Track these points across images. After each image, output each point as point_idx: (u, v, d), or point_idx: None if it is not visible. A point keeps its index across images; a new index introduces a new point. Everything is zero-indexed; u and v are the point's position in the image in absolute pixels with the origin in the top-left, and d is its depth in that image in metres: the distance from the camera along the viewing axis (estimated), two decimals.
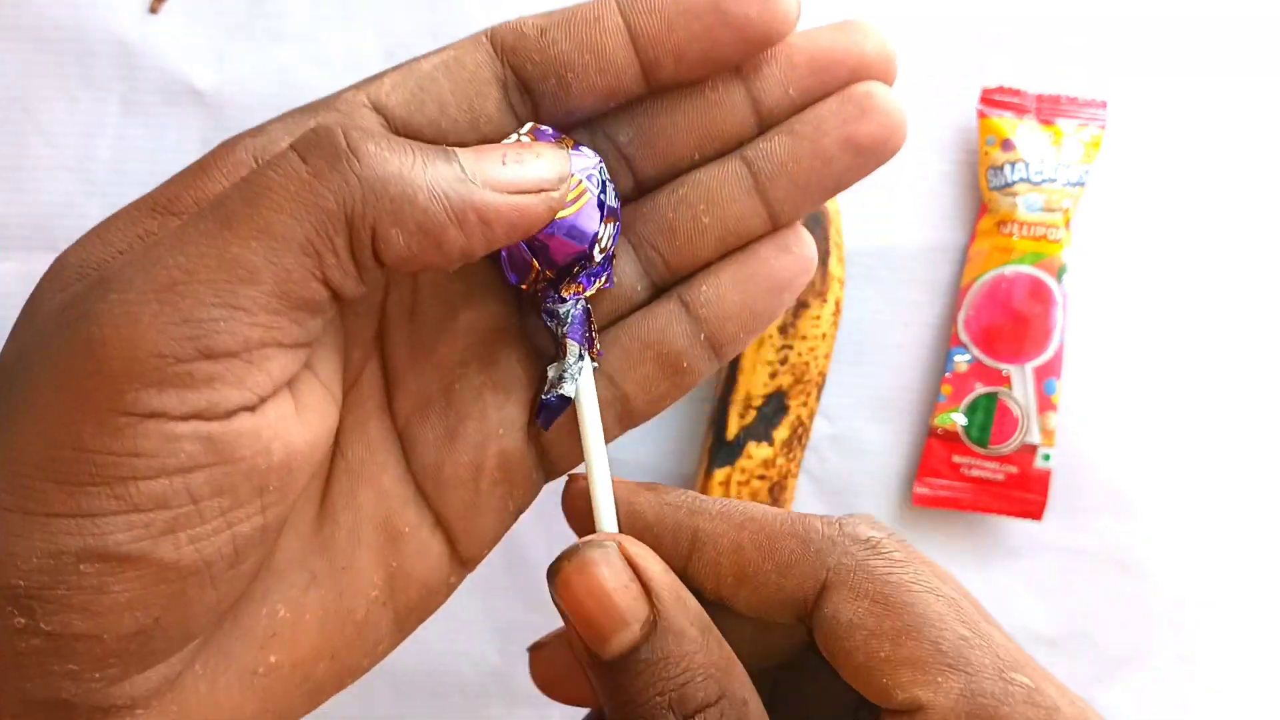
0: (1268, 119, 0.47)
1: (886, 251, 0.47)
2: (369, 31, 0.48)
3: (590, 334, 0.25)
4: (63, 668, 0.20)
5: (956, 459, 0.46)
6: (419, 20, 0.48)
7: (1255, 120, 0.47)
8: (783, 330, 0.44)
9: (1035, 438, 0.46)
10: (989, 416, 0.46)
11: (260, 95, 0.47)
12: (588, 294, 0.25)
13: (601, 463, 0.24)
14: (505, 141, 0.24)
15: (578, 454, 0.26)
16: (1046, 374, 0.46)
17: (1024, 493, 0.46)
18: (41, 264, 0.48)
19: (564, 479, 0.27)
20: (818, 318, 0.44)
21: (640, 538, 0.24)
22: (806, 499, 0.47)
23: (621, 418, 0.27)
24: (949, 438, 0.46)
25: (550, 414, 0.25)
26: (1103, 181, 0.47)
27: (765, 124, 0.26)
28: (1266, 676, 0.47)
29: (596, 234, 0.24)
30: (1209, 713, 0.47)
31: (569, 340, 0.25)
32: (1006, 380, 0.46)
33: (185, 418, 0.20)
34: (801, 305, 0.44)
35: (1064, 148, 0.46)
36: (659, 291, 0.27)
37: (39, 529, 0.19)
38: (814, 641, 0.24)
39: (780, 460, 0.45)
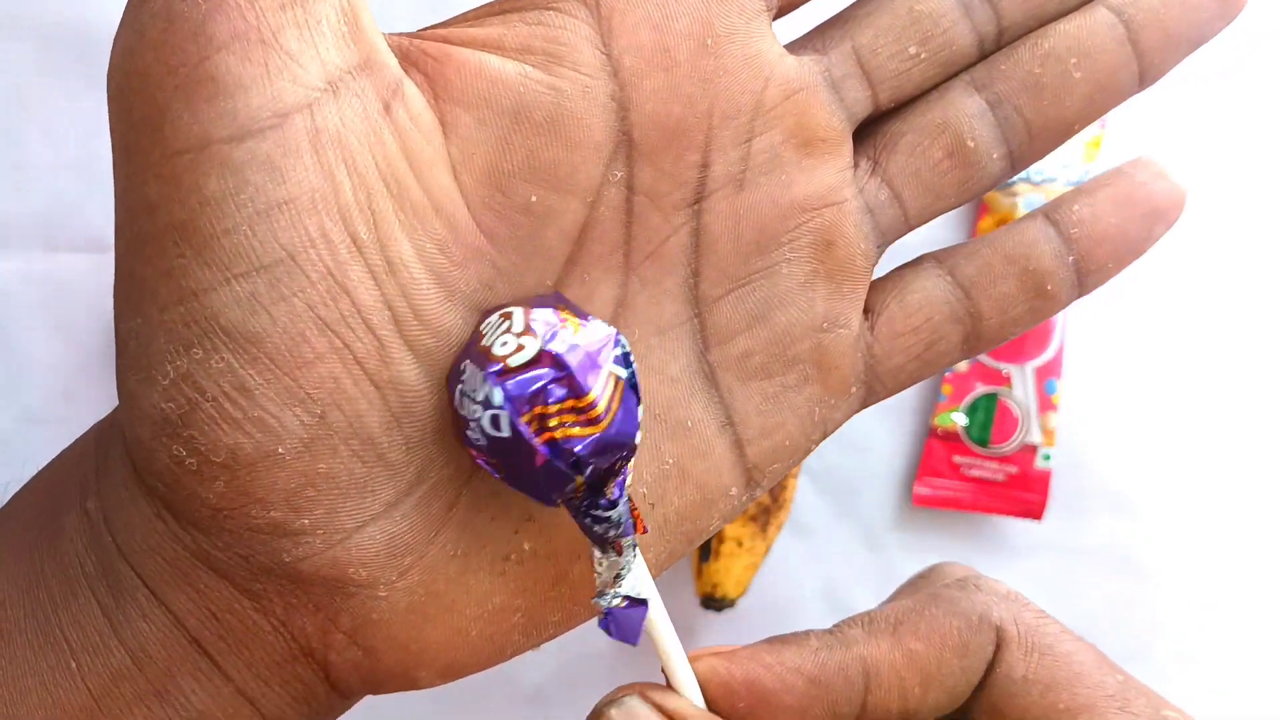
0: (1268, 119, 0.47)
1: (887, 251, 0.47)
2: None
3: (635, 517, 0.21)
4: (263, 515, 0.19)
5: (957, 459, 0.46)
6: (419, 20, 0.48)
7: (1256, 120, 0.47)
8: None
9: (1036, 438, 0.46)
10: (989, 416, 0.46)
11: None
12: (629, 481, 0.21)
13: (678, 648, 0.22)
14: (489, 325, 0.20)
15: (908, 375, 0.25)
16: (1047, 374, 0.46)
17: (1024, 493, 0.46)
18: (42, 264, 0.48)
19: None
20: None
21: (806, 693, 0.22)
22: (807, 499, 0.47)
23: (969, 339, 0.25)
24: (949, 438, 0.46)
25: (628, 622, 0.22)
26: None
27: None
28: (1267, 677, 0.47)
29: (640, 417, 0.21)
30: (1209, 713, 0.47)
31: (624, 540, 0.21)
32: (1007, 380, 0.46)
33: (235, 139, 0.18)
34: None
35: (1064, 148, 0.46)
36: (1015, 163, 0.25)
37: (159, 334, 0.18)
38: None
39: None
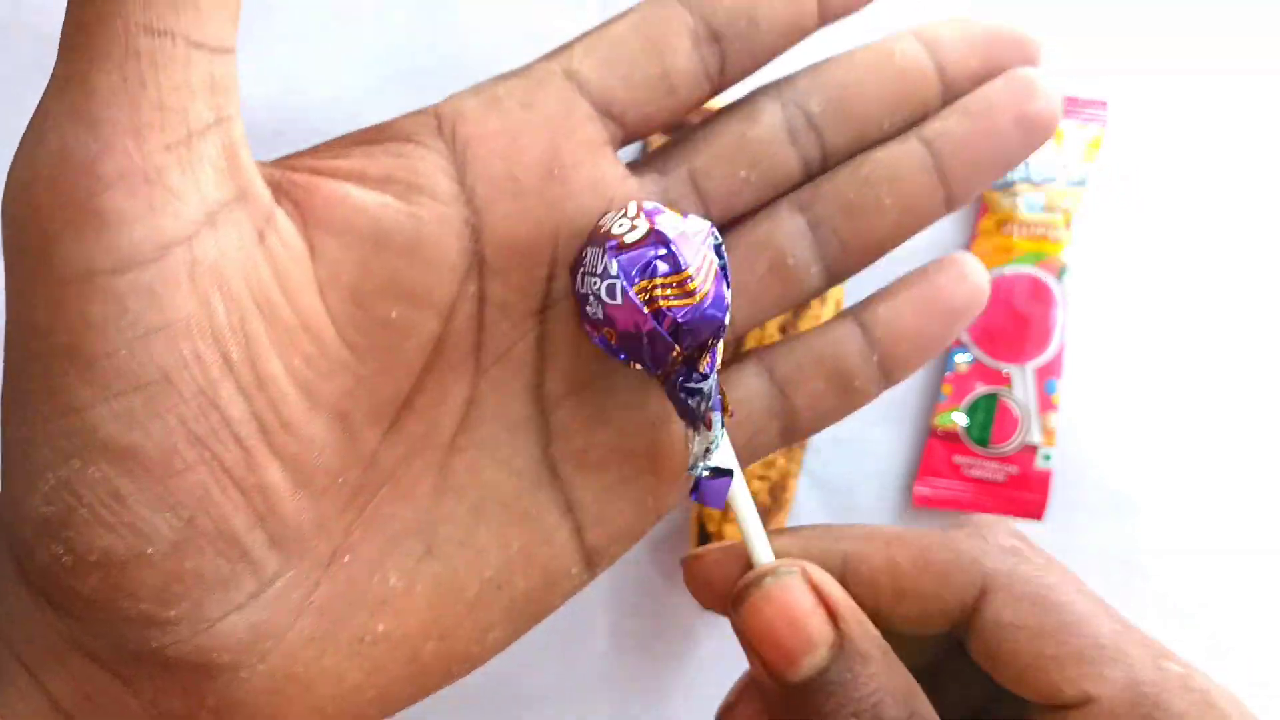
0: (1268, 119, 0.47)
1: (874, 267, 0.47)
2: (369, 31, 0.48)
3: (722, 396, 0.24)
4: (133, 607, 0.20)
5: (957, 459, 0.46)
6: (419, 20, 0.48)
7: (1256, 120, 0.47)
8: (783, 330, 0.44)
9: (1036, 438, 0.46)
10: (989, 416, 0.46)
11: (260, 95, 0.47)
12: (718, 362, 0.24)
13: (755, 515, 0.25)
14: (607, 217, 0.24)
15: (755, 452, 0.27)
16: (1047, 374, 0.46)
17: (1024, 493, 0.46)
18: None
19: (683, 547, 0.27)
20: (818, 317, 0.44)
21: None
22: (806, 499, 0.47)
23: (784, 432, 0.27)
24: (949, 438, 0.46)
25: (715, 489, 0.24)
26: (1103, 181, 0.47)
27: (951, 93, 0.27)
28: (1267, 677, 0.47)
29: (729, 302, 0.24)
30: None
31: (714, 414, 0.24)
32: (1007, 380, 0.46)
33: (118, 270, 0.19)
34: (801, 305, 0.44)
35: (1064, 148, 0.46)
36: (832, 277, 0.27)
37: (43, 444, 0.19)
38: (938, 652, 0.25)
39: (780, 460, 0.45)
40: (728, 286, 0.24)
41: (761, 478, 0.45)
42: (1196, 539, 0.47)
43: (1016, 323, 0.46)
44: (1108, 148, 0.46)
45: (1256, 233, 0.47)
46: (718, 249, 0.24)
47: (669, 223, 0.23)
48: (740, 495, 0.25)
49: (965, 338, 0.46)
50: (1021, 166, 0.46)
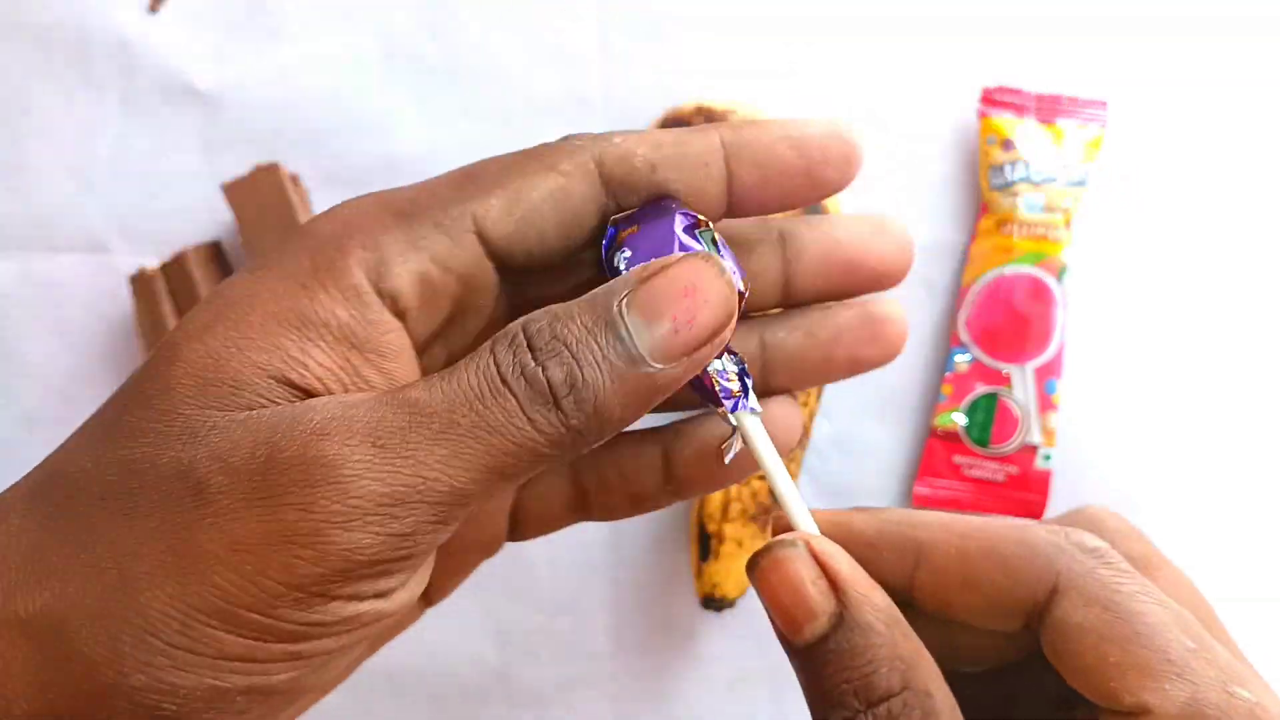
0: (1267, 119, 0.47)
1: None
2: (369, 31, 0.48)
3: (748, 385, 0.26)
4: None
5: (957, 459, 0.46)
6: (419, 20, 0.48)
7: (1255, 120, 0.47)
8: None
9: (1036, 438, 0.46)
10: (989, 416, 0.46)
11: (260, 95, 0.47)
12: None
13: (790, 485, 0.26)
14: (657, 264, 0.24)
15: (546, 522, 0.29)
16: (1047, 374, 0.46)
17: (1024, 493, 0.46)
18: (41, 264, 0.48)
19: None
20: None
21: (862, 554, 0.24)
22: (807, 499, 0.47)
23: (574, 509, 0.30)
24: (949, 438, 0.46)
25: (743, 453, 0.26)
26: (1103, 181, 0.47)
27: (789, 297, 0.28)
28: (1267, 677, 0.47)
29: (743, 272, 0.26)
30: None
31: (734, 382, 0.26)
32: (1007, 380, 0.46)
33: (366, 597, 0.21)
34: None
35: (1064, 148, 0.46)
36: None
37: (207, 668, 0.20)
38: (1025, 648, 0.25)
39: None
40: (736, 261, 0.26)
41: (762, 478, 0.45)
42: (1197, 538, 0.47)
43: (1016, 323, 0.46)
44: (1108, 148, 0.46)
45: (1256, 233, 0.47)
46: (716, 241, 0.25)
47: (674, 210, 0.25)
48: (775, 469, 0.25)
49: (965, 337, 0.46)
50: (1022, 166, 0.46)
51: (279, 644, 0.20)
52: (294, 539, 0.20)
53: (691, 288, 0.22)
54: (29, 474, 0.22)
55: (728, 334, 0.23)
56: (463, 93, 0.47)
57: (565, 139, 0.25)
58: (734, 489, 0.45)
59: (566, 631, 0.47)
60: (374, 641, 0.28)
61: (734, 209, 0.26)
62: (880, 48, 0.47)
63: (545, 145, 0.25)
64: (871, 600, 0.23)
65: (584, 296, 0.23)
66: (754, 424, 0.25)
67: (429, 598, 0.29)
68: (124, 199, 0.47)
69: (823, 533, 0.25)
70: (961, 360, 0.46)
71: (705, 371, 0.25)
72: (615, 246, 0.25)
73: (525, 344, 0.22)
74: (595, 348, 0.22)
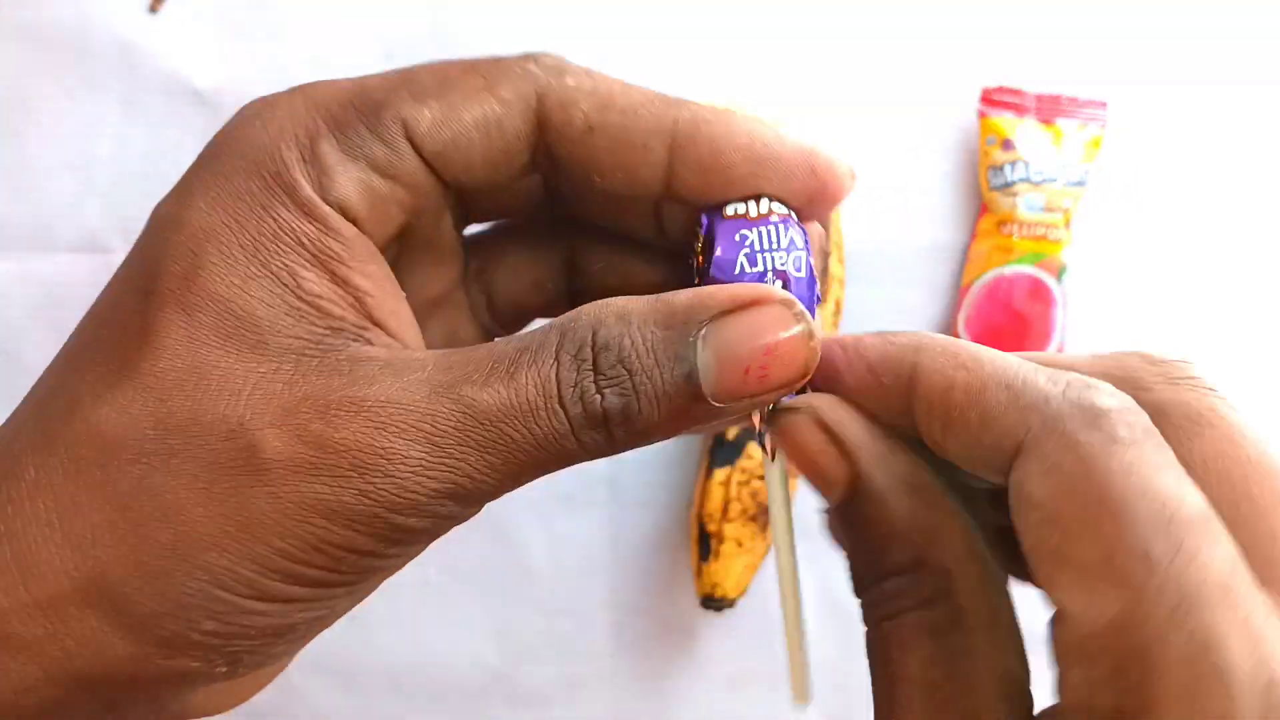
0: (1267, 119, 0.47)
1: (887, 251, 0.47)
2: (369, 31, 0.48)
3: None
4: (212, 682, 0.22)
5: None
6: (419, 20, 0.48)
7: (1254, 120, 0.47)
8: None
9: None
10: None
11: (260, 95, 0.47)
12: None
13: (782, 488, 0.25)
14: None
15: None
16: None
17: None
18: (41, 264, 0.48)
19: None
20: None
21: (862, 379, 0.22)
22: (807, 499, 0.47)
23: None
24: None
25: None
26: (1102, 181, 0.47)
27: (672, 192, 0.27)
28: None
29: (819, 293, 0.24)
30: None
31: None
32: None
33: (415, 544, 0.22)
34: None
35: (1064, 148, 0.46)
36: None
37: (276, 612, 0.21)
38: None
39: None
40: (813, 276, 0.24)
41: (762, 477, 0.45)
42: None
43: (1016, 323, 0.46)
44: (1107, 148, 0.46)
45: (1255, 232, 0.47)
46: (809, 268, 0.24)
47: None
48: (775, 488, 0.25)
49: (965, 337, 0.46)
50: (1022, 166, 0.46)
51: (339, 588, 0.21)
52: (355, 519, 0.20)
53: (773, 347, 0.21)
54: (21, 423, 0.22)
55: (798, 385, 0.22)
56: None
57: (525, 56, 0.24)
58: (734, 489, 0.45)
59: (566, 631, 0.47)
60: None
61: (672, 196, 0.24)
62: (880, 48, 0.47)
63: (497, 59, 0.24)
64: (889, 465, 0.22)
65: (661, 306, 0.21)
66: (773, 470, 0.24)
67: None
68: (124, 199, 0.47)
69: (835, 352, 0.23)
70: None
71: None
72: (710, 240, 0.24)
73: (591, 361, 0.21)
74: (659, 380, 0.21)
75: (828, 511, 0.23)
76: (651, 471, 0.47)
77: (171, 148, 0.47)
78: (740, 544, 0.45)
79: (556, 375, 0.21)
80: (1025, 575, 0.21)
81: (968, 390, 0.21)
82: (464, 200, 0.25)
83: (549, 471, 0.22)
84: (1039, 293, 0.46)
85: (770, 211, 0.24)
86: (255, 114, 0.23)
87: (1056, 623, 0.18)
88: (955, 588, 0.20)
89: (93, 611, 0.20)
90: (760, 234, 0.23)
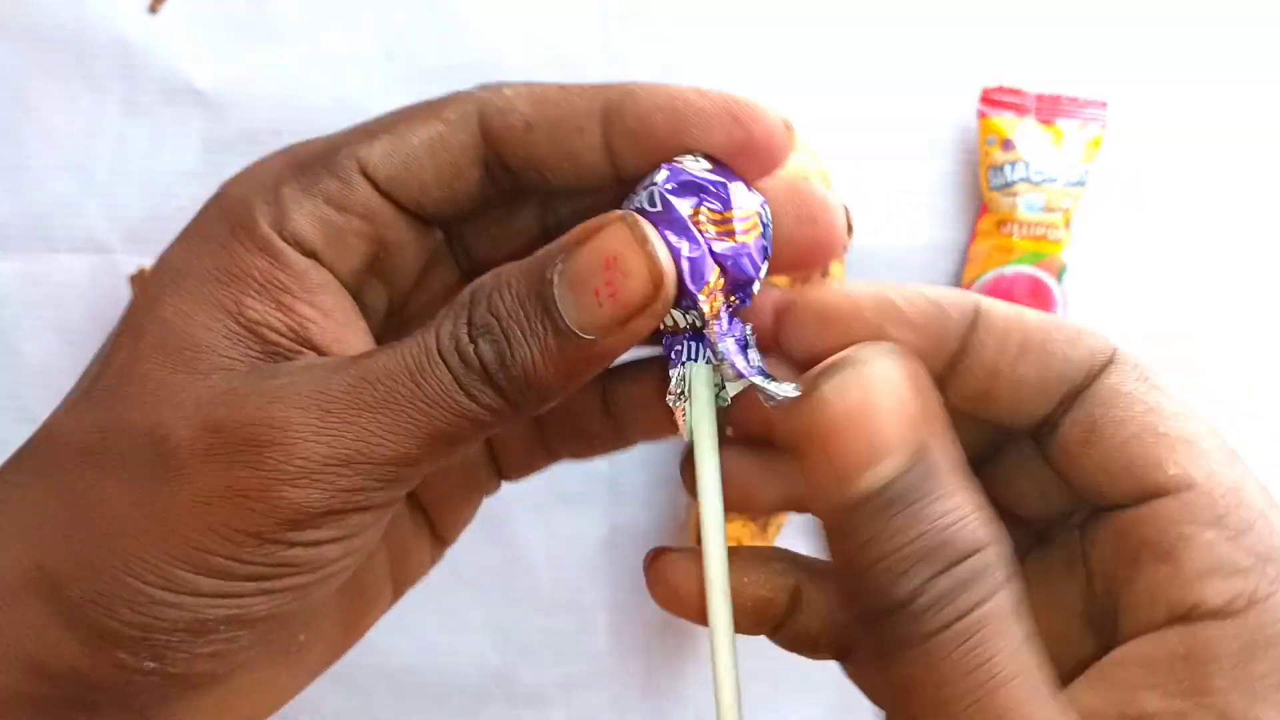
0: (1267, 119, 0.47)
1: (886, 251, 0.47)
2: (369, 31, 0.48)
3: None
4: (178, 694, 0.22)
5: None
6: (419, 20, 0.48)
7: (1254, 120, 0.47)
8: None
9: None
10: None
11: (260, 95, 0.47)
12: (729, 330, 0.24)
13: (711, 453, 0.25)
14: (637, 195, 0.24)
15: (522, 460, 0.29)
16: None
17: None
18: (41, 264, 0.48)
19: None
20: None
21: (924, 312, 0.22)
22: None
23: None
24: None
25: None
26: (1102, 181, 0.47)
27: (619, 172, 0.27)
28: None
29: (763, 272, 0.24)
30: None
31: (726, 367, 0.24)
32: None
33: (326, 541, 0.22)
34: None
35: (1064, 148, 0.46)
36: None
37: (187, 605, 0.21)
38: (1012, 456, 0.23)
39: None
40: (765, 259, 0.24)
41: None
42: None
43: None
44: (1107, 148, 0.46)
45: (1255, 232, 0.47)
46: (765, 226, 0.24)
47: (732, 175, 0.23)
48: (702, 437, 0.24)
49: None
50: (1022, 166, 0.46)
51: (249, 581, 0.22)
52: (247, 495, 0.21)
53: (612, 258, 0.21)
54: (26, 442, 0.24)
55: (661, 306, 0.22)
56: None
57: (475, 87, 0.25)
58: None
59: (566, 631, 0.47)
60: (396, 587, 0.28)
61: (623, 175, 0.24)
62: (880, 47, 0.47)
63: (449, 94, 0.25)
64: (954, 438, 0.20)
65: (527, 259, 0.22)
66: (699, 376, 0.24)
67: (443, 538, 0.29)
68: (124, 199, 0.47)
69: (877, 299, 0.22)
70: None
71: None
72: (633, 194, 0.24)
73: (465, 316, 0.22)
74: (524, 322, 0.21)
75: (847, 506, 0.20)
76: (651, 471, 0.47)
77: (171, 148, 0.47)
78: (740, 544, 0.45)
79: (437, 333, 0.22)
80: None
81: (1043, 321, 0.22)
82: (468, 251, 0.27)
83: (461, 439, 0.22)
84: (1039, 293, 0.46)
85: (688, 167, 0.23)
86: (242, 172, 0.25)
87: (1172, 495, 0.20)
88: (1013, 572, 0.20)
89: (37, 598, 0.21)
90: (650, 195, 0.23)
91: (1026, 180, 0.45)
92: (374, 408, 0.21)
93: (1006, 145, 0.46)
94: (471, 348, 0.21)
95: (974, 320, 0.22)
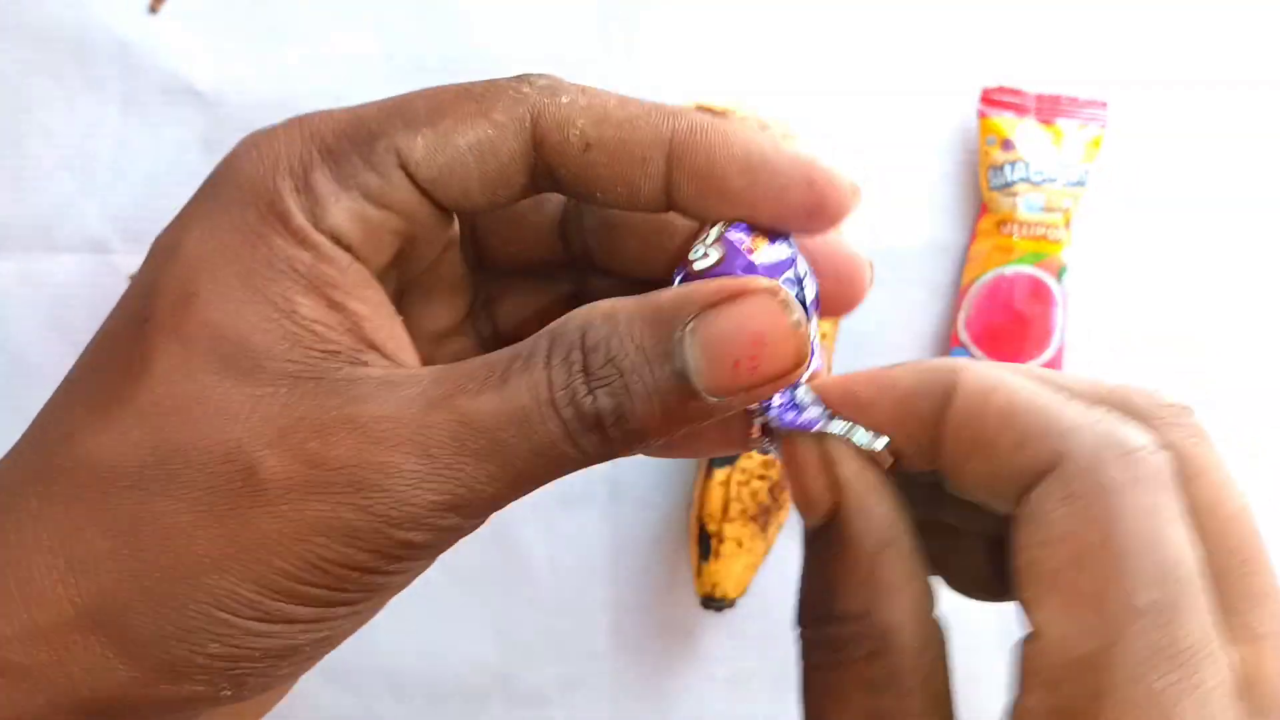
0: (1267, 119, 0.47)
1: (886, 251, 0.47)
2: (369, 31, 0.48)
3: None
4: (217, 713, 0.22)
5: None
6: (419, 20, 0.48)
7: (1254, 120, 0.47)
8: None
9: None
10: None
11: (260, 95, 0.47)
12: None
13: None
14: (705, 269, 0.23)
15: None
16: None
17: None
18: (41, 264, 0.48)
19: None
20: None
21: (893, 410, 0.22)
22: None
23: None
24: None
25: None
26: (1102, 181, 0.47)
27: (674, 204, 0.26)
28: None
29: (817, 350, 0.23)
30: None
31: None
32: None
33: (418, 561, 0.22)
34: None
35: (1064, 148, 0.46)
36: None
37: (280, 634, 0.21)
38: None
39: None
40: (809, 317, 0.23)
41: (761, 477, 0.45)
42: None
43: (1016, 323, 0.46)
44: (1107, 148, 0.46)
45: (1254, 232, 0.47)
46: (799, 280, 0.23)
47: (741, 248, 0.23)
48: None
49: (965, 337, 0.46)
50: (1022, 166, 0.46)
51: (342, 606, 0.21)
52: (355, 535, 0.20)
53: (759, 336, 0.21)
54: (21, 453, 0.22)
55: (793, 378, 0.21)
56: None
57: (519, 78, 0.23)
58: (734, 489, 0.45)
59: (566, 631, 0.47)
60: None
61: (675, 209, 0.24)
62: (881, 48, 0.47)
63: (491, 82, 0.23)
64: (870, 512, 0.22)
65: (647, 304, 0.21)
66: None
67: None
68: (124, 199, 0.47)
69: (862, 389, 0.22)
70: None
71: None
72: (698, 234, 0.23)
73: (580, 363, 0.21)
74: (650, 378, 0.21)
75: (807, 532, 0.23)
76: (651, 471, 0.47)
77: (171, 148, 0.47)
78: (740, 544, 0.45)
79: (548, 379, 0.21)
80: (1000, 596, 0.23)
81: (1003, 412, 0.21)
82: (478, 238, 0.26)
83: (550, 479, 0.22)
84: (1039, 293, 0.46)
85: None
86: (252, 144, 0.23)
87: (1029, 642, 0.19)
88: (897, 647, 0.20)
89: (95, 638, 0.20)
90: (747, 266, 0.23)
91: (1026, 180, 0.45)
92: (479, 456, 0.21)
93: (1006, 145, 0.46)
94: (589, 400, 0.21)
95: (944, 405, 0.22)
